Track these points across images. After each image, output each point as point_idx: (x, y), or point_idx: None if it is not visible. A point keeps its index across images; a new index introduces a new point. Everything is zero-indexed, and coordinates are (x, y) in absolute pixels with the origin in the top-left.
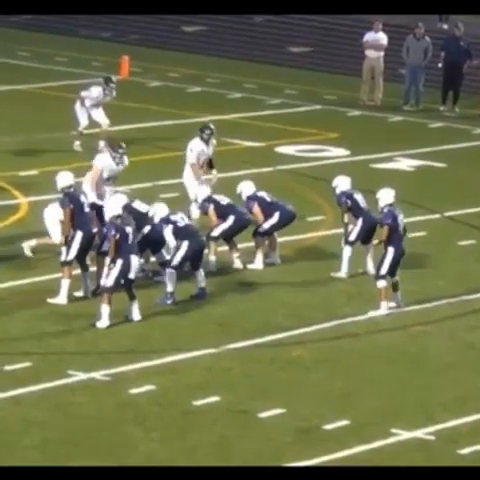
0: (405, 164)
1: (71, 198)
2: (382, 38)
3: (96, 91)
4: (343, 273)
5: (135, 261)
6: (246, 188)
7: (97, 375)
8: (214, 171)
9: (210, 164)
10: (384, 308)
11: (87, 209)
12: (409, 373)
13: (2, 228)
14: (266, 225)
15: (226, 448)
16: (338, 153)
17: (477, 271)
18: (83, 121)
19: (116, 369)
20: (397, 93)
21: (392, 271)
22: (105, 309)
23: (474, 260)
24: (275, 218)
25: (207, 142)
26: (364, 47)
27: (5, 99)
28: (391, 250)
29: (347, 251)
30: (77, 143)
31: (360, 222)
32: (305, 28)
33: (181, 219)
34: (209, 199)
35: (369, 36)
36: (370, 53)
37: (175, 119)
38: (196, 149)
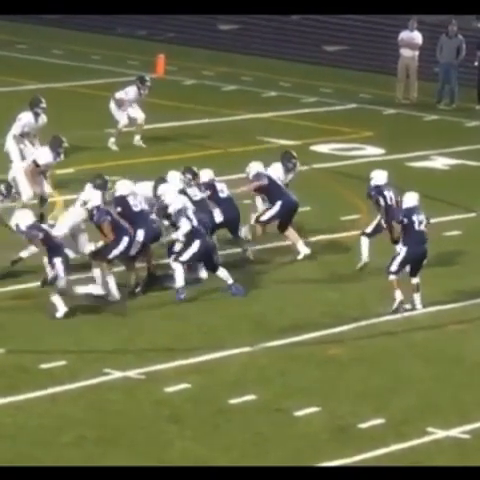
0: (440, 163)
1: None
2: (417, 37)
3: (132, 91)
4: (363, 261)
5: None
6: (255, 167)
7: (132, 374)
8: None
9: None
10: (398, 296)
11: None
12: (445, 372)
13: None
14: (266, 215)
15: (261, 446)
16: (373, 152)
17: None
18: (123, 120)
19: (152, 367)
20: (433, 92)
21: (412, 271)
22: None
23: None
24: (275, 208)
25: (290, 171)
26: (399, 46)
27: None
28: (404, 249)
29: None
30: (112, 140)
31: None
32: (340, 27)
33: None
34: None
35: (404, 34)
36: (405, 52)
37: (210, 117)
38: (276, 175)
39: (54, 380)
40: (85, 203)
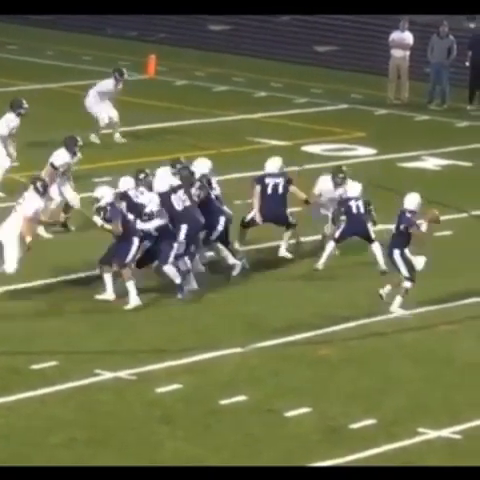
0: (432, 163)
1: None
2: (408, 37)
3: (110, 84)
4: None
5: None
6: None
7: (123, 374)
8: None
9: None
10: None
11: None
12: (436, 372)
13: None
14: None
15: (252, 447)
16: (365, 152)
17: None
18: (102, 116)
19: (143, 368)
20: (424, 92)
21: None
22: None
23: None
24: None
25: (339, 186)
26: (390, 46)
27: (32, 98)
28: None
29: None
30: (93, 135)
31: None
32: (331, 27)
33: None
34: None
35: (395, 35)
36: (396, 52)
37: (201, 118)
38: (325, 190)
39: (44, 381)
40: (98, 200)
